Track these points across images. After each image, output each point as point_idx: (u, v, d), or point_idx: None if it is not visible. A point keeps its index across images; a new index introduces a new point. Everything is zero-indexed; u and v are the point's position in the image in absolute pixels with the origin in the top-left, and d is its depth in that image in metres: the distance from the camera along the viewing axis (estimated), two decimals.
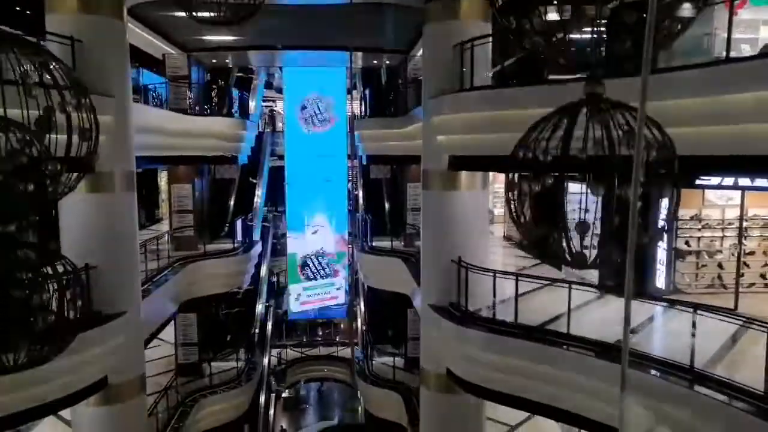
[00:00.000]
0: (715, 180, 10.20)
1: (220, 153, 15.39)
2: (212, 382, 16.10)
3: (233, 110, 17.70)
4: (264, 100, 28.26)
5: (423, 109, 10.62)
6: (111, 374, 9.92)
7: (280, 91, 26.18)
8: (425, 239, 11.02)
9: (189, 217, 16.04)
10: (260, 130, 25.18)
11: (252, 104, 18.99)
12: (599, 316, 9.99)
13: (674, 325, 9.63)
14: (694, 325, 7.18)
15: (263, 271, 23.11)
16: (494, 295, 9.60)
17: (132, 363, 10.39)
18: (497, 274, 9.52)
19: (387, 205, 19.15)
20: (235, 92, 18.01)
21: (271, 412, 23.77)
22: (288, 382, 27.78)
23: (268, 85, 24.92)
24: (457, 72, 9.79)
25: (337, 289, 22.90)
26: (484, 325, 9.36)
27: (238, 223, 17.09)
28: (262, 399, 19.80)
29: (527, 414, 14.58)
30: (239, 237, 16.80)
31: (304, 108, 23.25)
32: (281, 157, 26.11)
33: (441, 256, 10.43)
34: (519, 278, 9.32)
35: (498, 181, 21.85)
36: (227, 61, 17.28)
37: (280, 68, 24.77)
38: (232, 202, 18.53)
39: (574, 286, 9.10)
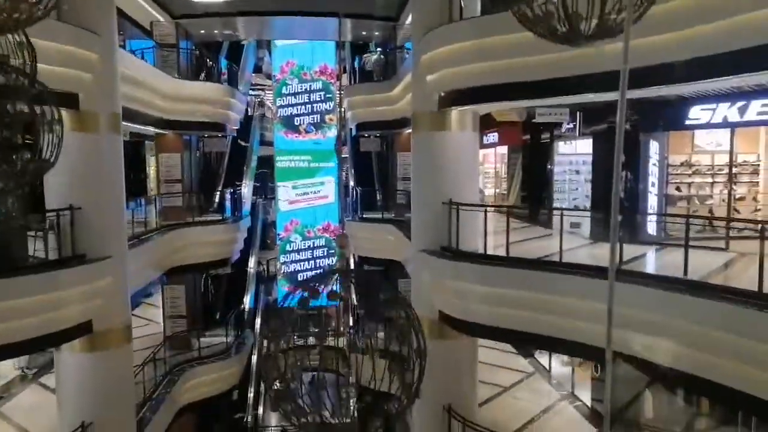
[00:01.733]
0: (704, 118, 10.28)
1: (208, 120, 15.29)
2: (201, 355, 15.80)
3: (222, 81, 17.55)
4: (252, 88, 28.26)
5: (413, 50, 10.59)
6: (96, 320, 9.69)
7: (269, 77, 26.20)
8: (415, 184, 10.93)
9: (177, 186, 15.86)
10: (250, 113, 25.15)
11: (241, 77, 18.85)
12: (590, 253, 9.95)
13: (665, 259, 9.64)
14: (687, 228, 7.09)
15: (251, 262, 22.88)
16: (485, 232, 9.53)
17: (117, 311, 10.18)
18: (488, 209, 9.45)
19: (377, 179, 19.08)
20: (224, 63, 17.91)
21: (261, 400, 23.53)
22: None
23: (257, 69, 24.87)
24: (446, 11, 9.78)
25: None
26: (476, 259, 9.27)
27: (228, 199, 16.98)
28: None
29: (521, 376, 14.52)
30: (229, 212, 16.74)
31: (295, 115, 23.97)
32: (270, 144, 26.19)
33: (432, 200, 10.32)
34: (510, 212, 9.25)
35: (487, 161, 21.93)
36: (215, 32, 17.22)
37: (269, 51, 24.92)
38: (222, 176, 18.36)
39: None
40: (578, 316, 7.88)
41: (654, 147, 11.18)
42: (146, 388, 13.13)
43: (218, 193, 17.02)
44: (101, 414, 9.85)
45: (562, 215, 8.80)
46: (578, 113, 12.90)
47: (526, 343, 10.42)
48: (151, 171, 20.68)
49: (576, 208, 14.95)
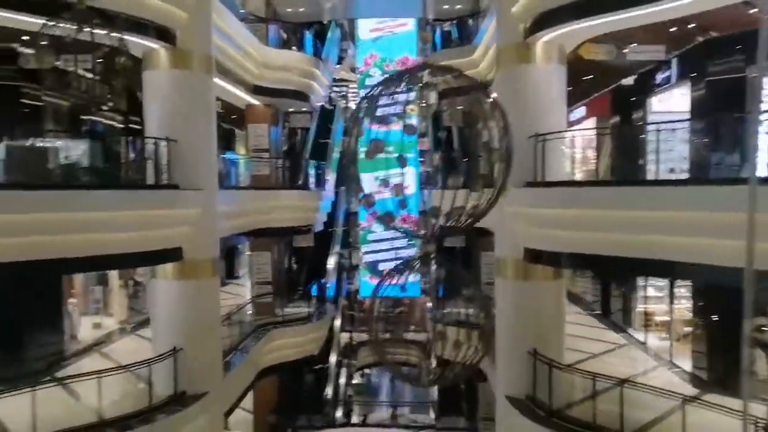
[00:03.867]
0: None
1: (294, 88, 15.81)
2: (284, 319, 16.12)
3: None
4: (336, 84, 29.02)
5: None
6: (186, 248, 10.12)
7: (353, 70, 26.83)
8: None
9: (265, 155, 16.45)
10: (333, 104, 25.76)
11: (325, 63, 19.34)
12: None
13: None
14: None
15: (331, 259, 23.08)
16: (573, 158, 9.13)
17: (206, 243, 10.57)
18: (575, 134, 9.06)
19: (460, 152, 18.89)
20: (309, 43, 18.47)
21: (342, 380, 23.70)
22: (359, 363, 27.46)
23: (341, 61, 25.52)
24: None
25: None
26: (563, 185, 8.89)
27: (311, 174, 17.44)
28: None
29: (612, 347, 13.62)
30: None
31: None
32: None
33: (515, 135, 9.99)
34: (600, 133, 8.82)
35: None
36: (301, 10, 17.85)
37: (354, 43, 25.57)
38: (305, 158, 18.85)
39: None
40: (684, 229, 7.23)
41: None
42: (232, 342, 13.50)
43: (303, 165, 17.42)
44: (190, 341, 10.19)
45: (658, 131, 8.23)
46: (674, 60, 12.16)
47: (626, 270, 9.55)
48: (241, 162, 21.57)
49: (671, 170, 14.06)
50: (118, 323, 14.96)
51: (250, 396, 19.45)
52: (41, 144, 9.56)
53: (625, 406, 8.52)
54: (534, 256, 9.65)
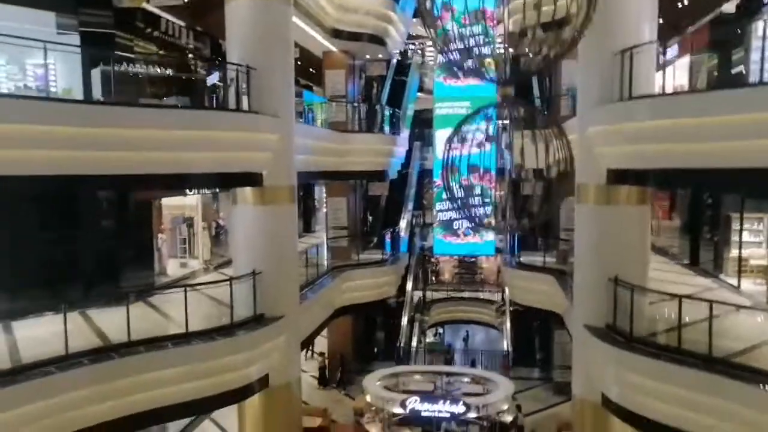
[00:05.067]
0: None
1: (369, 32, 15.78)
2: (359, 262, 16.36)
3: None
4: (412, 42, 28.64)
5: None
6: (266, 175, 10.43)
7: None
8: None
9: (342, 100, 16.61)
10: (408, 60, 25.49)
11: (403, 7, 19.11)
12: None
13: None
14: None
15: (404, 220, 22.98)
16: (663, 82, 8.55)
17: (284, 171, 10.83)
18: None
19: (539, 99, 18.26)
20: None
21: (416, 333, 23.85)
22: (432, 319, 27.52)
23: (416, 14, 25.14)
24: None
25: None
26: (652, 97, 8.35)
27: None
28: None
29: (700, 289, 12.82)
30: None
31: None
32: (430, 92, 26.41)
33: (599, 53, 9.56)
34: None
35: None
36: None
37: None
38: (384, 97, 18.83)
39: None
40: None
41: None
42: (307, 281, 13.82)
43: (379, 113, 17.42)
44: (269, 266, 10.54)
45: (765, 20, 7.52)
46: None
47: (721, 183, 8.54)
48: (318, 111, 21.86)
49: None
50: (201, 263, 15.77)
51: (325, 344, 20.16)
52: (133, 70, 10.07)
53: (713, 336, 8.00)
54: (619, 177, 9.19)
